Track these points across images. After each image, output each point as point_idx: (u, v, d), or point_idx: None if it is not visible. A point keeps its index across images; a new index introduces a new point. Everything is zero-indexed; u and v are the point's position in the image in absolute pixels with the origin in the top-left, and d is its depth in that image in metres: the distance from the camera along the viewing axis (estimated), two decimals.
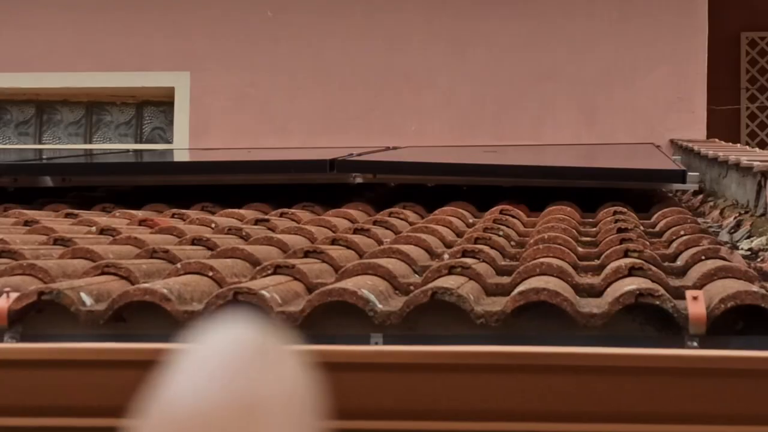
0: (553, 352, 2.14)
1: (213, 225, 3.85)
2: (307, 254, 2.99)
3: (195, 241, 3.29)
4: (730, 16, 8.58)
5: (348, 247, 3.25)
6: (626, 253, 2.93)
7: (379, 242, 3.48)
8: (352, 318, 2.39)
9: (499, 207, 4.23)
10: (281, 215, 4.22)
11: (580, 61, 7.42)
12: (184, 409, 0.42)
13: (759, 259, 3.29)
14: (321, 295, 2.40)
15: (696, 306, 2.28)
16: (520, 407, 2.14)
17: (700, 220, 4.28)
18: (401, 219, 4.13)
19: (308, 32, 7.58)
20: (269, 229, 3.79)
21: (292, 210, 4.35)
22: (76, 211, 4.25)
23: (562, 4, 7.49)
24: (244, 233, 3.56)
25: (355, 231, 3.60)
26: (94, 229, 3.67)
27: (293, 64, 7.56)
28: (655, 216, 4.13)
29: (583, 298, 2.54)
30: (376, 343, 2.36)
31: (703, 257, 2.91)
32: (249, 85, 7.58)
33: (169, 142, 7.84)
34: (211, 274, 2.66)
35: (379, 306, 2.39)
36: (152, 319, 2.42)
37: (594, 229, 3.84)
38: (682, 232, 3.48)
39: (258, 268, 2.79)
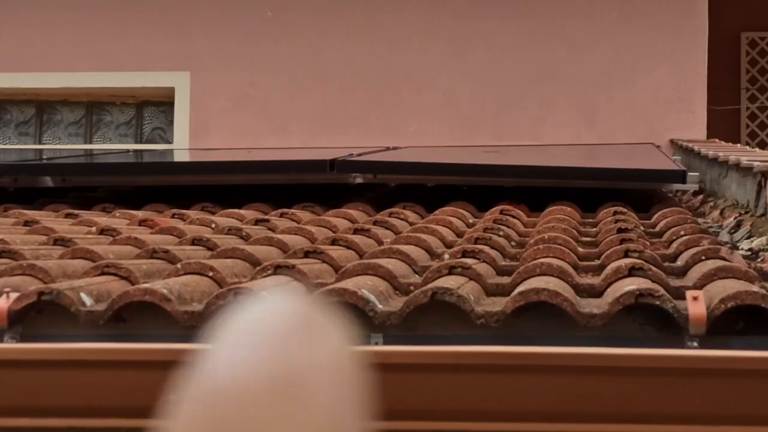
0: (554, 353, 2.14)
1: (213, 225, 3.85)
2: (307, 254, 2.99)
3: (195, 242, 3.29)
4: (730, 16, 8.58)
5: (348, 248, 3.25)
6: (626, 254, 2.93)
7: (380, 242, 3.48)
8: (352, 318, 2.39)
9: (500, 207, 4.22)
10: (281, 215, 4.22)
11: (580, 61, 7.42)
12: (225, 382, 0.41)
13: (759, 260, 3.29)
14: (321, 296, 2.40)
15: (696, 306, 2.28)
16: (520, 407, 2.14)
17: (700, 220, 4.28)
18: (401, 219, 4.13)
19: (308, 32, 7.58)
20: (269, 229, 3.79)
21: (292, 210, 4.35)
22: (76, 212, 4.25)
23: (562, 4, 7.49)
24: (244, 233, 3.56)
25: (355, 231, 3.59)
26: (94, 229, 3.67)
27: (293, 64, 7.56)
28: (656, 216, 4.12)
29: (584, 299, 2.54)
30: (376, 344, 2.36)
31: (703, 257, 2.91)
32: (249, 85, 7.58)
33: (169, 142, 7.84)
34: (211, 274, 2.66)
35: (380, 306, 2.39)
36: (152, 319, 2.42)
37: (594, 229, 3.84)
38: (682, 233, 3.48)
39: (258, 268, 2.79)
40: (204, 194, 4.78)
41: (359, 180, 4.85)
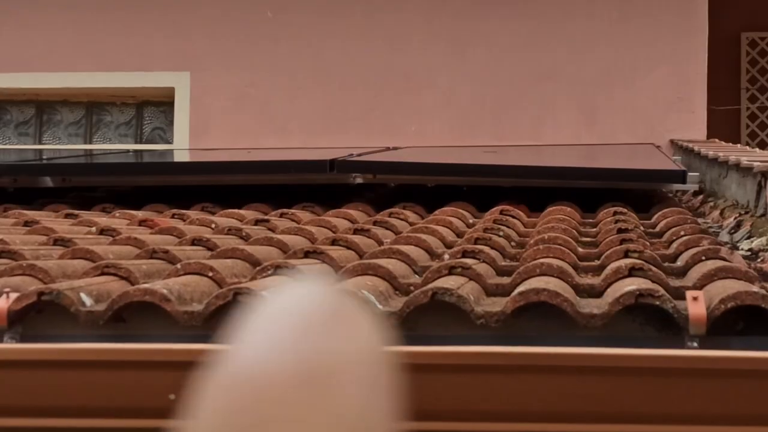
0: (554, 353, 2.14)
1: (213, 225, 3.85)
2: (307, 255, 2.99)
3: (195, 242, 3.29)
4: (730, 16, 8.58)
5: (348, 248, 3.25)
6: (626, 254, 2.93)
7: (379, 242, 3.48)
8: None
9: (500, 207, 4.22)
10: (281, 215, 4.22)
11: (580, 61, 7.42)
12: (252, 371, 0.40)
13: (759, 260, 3.29)
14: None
15: (696, 306, 2.28)
16: (520, 407, 2.14)
17: (700, 220, 4.28)
18: (401, 219, 4.12)
19: (308, 32, 7.58)
20: (269, 229, 3.78)
21: (292, 210, 4.34)
22: (76, 212, 4.25)
23: (562, 4, 7.49)
24: (244, 233, 3.56)
25: (355, 231, 3.59)
26: (94, 229, 3.67)
27: (293, 64, 7.56)
28: (656, 216, 4.12)
29: (584, 299, 2.54)
30: None
31: (703, 258, 2.91)
32: (249, 85, 7.58)
33: (169, 142, 7.84)
34: (211, 274, 2.66)
35: (379, 306, 2.39)
36: (152, 319, 2.42)
37: (594, 229, 3.84)
38: (682, 233, 3.48)
39: (258, 268, 2.79)
40: (204, 194, 4.78)
41: (359, 180, 4.85)
